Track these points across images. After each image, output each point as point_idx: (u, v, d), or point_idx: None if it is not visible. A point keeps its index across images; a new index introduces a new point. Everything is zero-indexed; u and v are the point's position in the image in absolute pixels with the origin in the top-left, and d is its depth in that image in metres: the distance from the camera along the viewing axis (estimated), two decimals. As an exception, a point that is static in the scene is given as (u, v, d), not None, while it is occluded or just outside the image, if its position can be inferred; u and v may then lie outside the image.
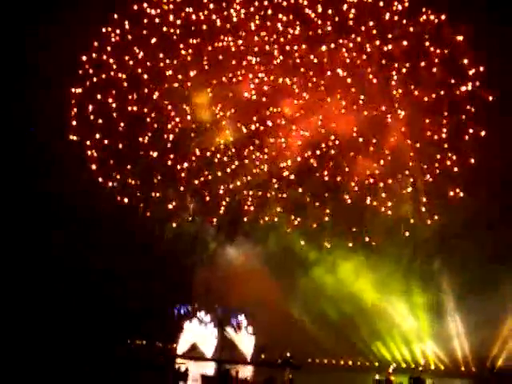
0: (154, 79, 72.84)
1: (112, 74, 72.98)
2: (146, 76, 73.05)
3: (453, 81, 71.27)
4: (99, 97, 73.51)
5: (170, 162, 74.21)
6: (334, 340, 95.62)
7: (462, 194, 72.33)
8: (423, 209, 73.47)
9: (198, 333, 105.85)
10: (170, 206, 74.95)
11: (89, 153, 73.23)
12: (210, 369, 77.48)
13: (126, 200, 73.99)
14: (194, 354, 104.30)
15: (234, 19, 72.97)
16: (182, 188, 73.87)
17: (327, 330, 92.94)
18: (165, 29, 72.97)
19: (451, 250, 78.40)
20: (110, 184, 73.41)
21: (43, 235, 77.15)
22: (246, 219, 79.33)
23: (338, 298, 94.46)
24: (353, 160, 73.82)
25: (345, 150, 73.94)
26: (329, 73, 71.85)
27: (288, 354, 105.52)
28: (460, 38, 70.29)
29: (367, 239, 78.46)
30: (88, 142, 73.71)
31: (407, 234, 76.11)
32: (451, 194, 72.69)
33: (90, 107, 73.35)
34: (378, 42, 72.12)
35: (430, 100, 72.07)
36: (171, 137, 74.18)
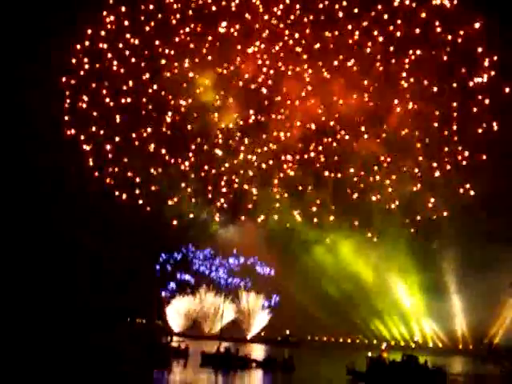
0: (151, 68, 69.79)
1: (107, 63, 69.92)
2: (142, 64, 70.10)
3: (463, 70, 68.71)
4: (93, 87, 70.92)
5: (168, 158, 72.16)
6: (333, 318, 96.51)
7: (473, 192, 70.64)
8: (430, 205, 71.63)
9: (199, 308, 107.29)
10: (171, 203, 73.15)
11: (84, 147, 70.96)
12: (210, 347, 77.64)
13: (124, 196, 72.12)
14: (195, 331, 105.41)
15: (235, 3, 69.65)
16: (183, 184, 71.88)
17: (327, 308, 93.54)
18: (161, 15, 69.84)
19: (450, 231, 77.47)
20: (108, 180, 71.24)
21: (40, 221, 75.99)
22: (243, 218, 78.70)
23: (338, 276, 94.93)
24: (358, 154, 71.67)
25: (349, 143, 71.90)
26: (336, 62, 69.08)
27: (287, 332, 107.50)
28: (476, 25, 67.23)
29: (369, 235, 78.15)
30: (82, 137, 71.54)
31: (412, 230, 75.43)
32: (461, 190, 71.18)
33: (85, 98, 70.80)
34: (390, 28, 69.18)
35: (439, 90, 69.70)
36: (170, 129, 71.72)
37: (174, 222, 75.62)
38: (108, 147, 71.22)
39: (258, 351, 76.25)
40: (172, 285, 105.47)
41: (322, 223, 77.27)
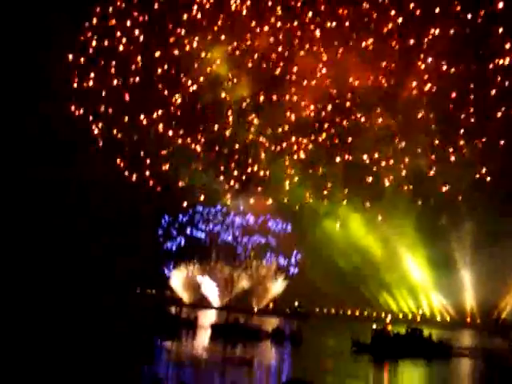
0: (161, 46, 68.51)
1: (116, 41, 68.08)
2: (152, 42, 68.47)
3: (482, 51, 65.78)
4: (102, 65, 69.26)
5: (178, 138, 71.57)
6: (342, 290, 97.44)
7: (489, 179, 69.18)
8: (444, 189, 70.97)
9: (207, 281, 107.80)
10: (181, 184, 73.24)
11: (93, 127, 70.27)
12: (219, 318, 79.08)
13: (134, 177, 72.13)
14: (204, 302, 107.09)
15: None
16: (193, 166, 71.82)
17: (336, 281, 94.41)
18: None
19: (460, 204, 77.52)
20: (118, 161, 71.14)
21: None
22: (253, 200, 78.98)
23: (347, 249, 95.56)
24: (372, 135, 70.67)
25: (363, 124, 71.01)
26: (351, 42, 67.27)
27: (296, 304, 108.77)
28: (500, 4, 63.71)
29: (380, 217, 78.20)
30: (91, 117, 70.74)
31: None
32: (477, 176, 69.87)
33: (93, 77, 69.20)
34: (410, 6, 66.32)
35: (457, 71, 67.12)
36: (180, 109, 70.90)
37: (185, 204, 76.20)
38: (115, 130, 70.66)
39: (267, 323, 77.53)
40: (180, 240, 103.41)
41: (334, 204, 77.28)
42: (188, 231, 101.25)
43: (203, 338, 50.99)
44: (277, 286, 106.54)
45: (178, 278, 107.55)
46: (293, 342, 52.99)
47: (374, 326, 50.93)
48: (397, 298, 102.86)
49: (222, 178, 73.80)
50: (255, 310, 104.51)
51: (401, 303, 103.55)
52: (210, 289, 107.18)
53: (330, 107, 70.37)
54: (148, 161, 72.12)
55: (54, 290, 70.12)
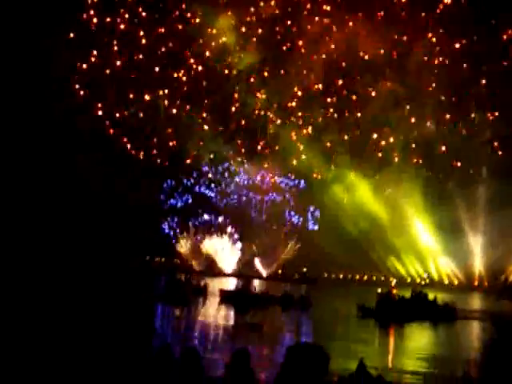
0: (165, 22, 67.30)
1: (118, 17, 66.36)
2: (156, 16, 67.09)
3: (494, 21, 63.69)
4: (105, 42, 67.89)
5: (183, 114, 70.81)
6: (350, 255, 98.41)
7: (500, 152, 68.25)
8: (454, 162, 70.45)
9: (217, 248, 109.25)
10: (189, 161, 73.14)
11: (98, 106, 69.28)
12: (228, 284, 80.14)
13: (141, 155, 71.91)
14: (213, 270, 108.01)
15: None
16: (201, 143, 71.47)
17: (343, 246, 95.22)
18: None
19: (468, 167, 77.37)
20: (125, 140, 70.65)
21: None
22: (259, 177, 78.31)
23: (355, 214, 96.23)
24: (381, 106, 69.94)
25: (373, 99, 70.07)
26: (360, 14, 65.81)
27: (304, 269, 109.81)
28: None
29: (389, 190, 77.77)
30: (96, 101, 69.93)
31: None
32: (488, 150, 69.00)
33: (95, 55, 67.72)
34: None
35: (468, 42, 65.79)
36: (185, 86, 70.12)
37: (192, 180, 76.00)
38: (119, 109, 69.97)
39: (276, 288, 78.24)
40: (187, 198, 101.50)
41: (341, 170, 77.23)
42: (196, 189, 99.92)
43: (213, 305, 51.51)
44: (287, 251, 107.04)
45: (185, 244, 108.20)
46: (302, 306, 53.67)
47: (379, 290, 51.28)
48: (405, 262, 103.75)
49: (231, 152, 73.53)
50: (264, 275, 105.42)
51: (409, 267, 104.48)
52: (220, 255, 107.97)
53: (340, 82, 69.36)
54: (155, 139, 71.78)
55: (60, 260, 71.45)
